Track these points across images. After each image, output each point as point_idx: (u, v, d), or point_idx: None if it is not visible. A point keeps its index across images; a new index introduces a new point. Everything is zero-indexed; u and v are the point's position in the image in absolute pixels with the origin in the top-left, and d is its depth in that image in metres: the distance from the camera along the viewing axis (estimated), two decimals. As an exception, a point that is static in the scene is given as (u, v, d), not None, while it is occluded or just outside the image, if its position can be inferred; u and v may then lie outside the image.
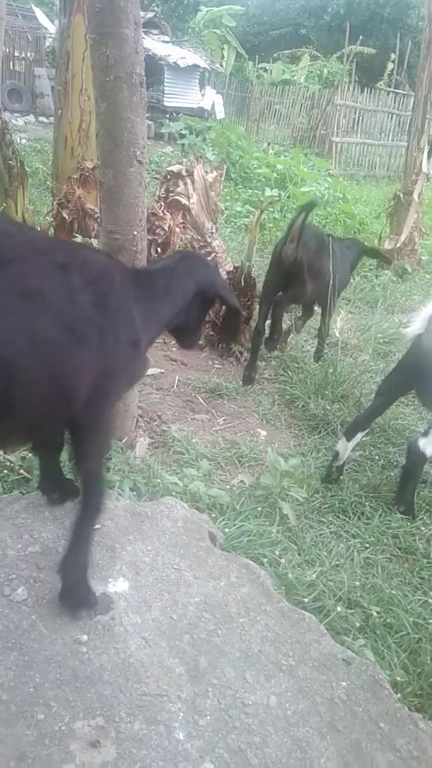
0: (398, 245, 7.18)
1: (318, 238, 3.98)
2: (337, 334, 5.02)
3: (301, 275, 3.70)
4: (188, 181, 4.61)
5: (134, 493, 2.61)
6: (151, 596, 1.97)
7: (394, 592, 2.41)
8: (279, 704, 1.70)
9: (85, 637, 1.79)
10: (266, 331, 4.03)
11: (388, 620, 2.28)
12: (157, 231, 4.68)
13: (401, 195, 7.34)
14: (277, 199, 7.90)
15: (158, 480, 2.70)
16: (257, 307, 4.25)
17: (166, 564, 2.09)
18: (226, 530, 2.47)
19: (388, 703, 1.75)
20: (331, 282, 3.98)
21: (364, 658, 1.94)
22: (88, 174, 4.72)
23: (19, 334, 1.45)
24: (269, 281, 3.91)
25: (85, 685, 1.67)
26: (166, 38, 18.06)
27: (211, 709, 1.66)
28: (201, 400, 3.87)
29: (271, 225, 8.07)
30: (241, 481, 3.02)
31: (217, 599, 1.99)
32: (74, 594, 1.87)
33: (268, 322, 4.02)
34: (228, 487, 2.93)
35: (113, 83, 2.46)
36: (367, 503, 3.00)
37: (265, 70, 21.36)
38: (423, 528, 2.87)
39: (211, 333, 4.65)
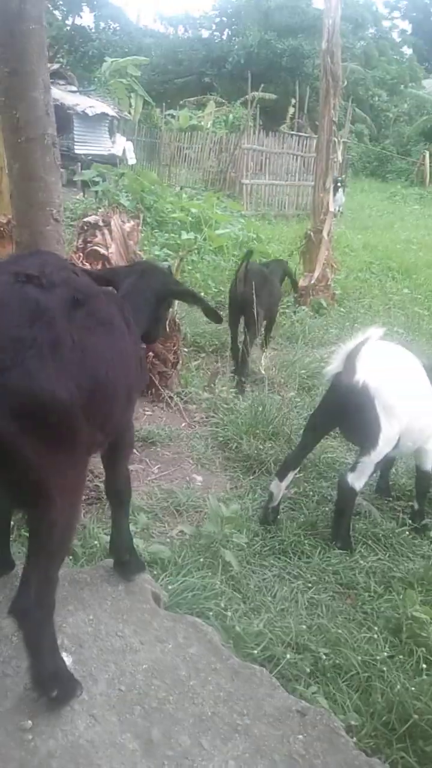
0: (312, 281, 7.44)
1: (260, 274, 5.11)
2: (263, 371, 5.11)
3: (253, 305, 4.79)
4: (105, 231, 4.62)
5: (70, 558, 2.52)
6: (97, 669, 1.89)
7: (340, 631, 2.42)
8: (238, 768, 1.66)
9: (29, 723, 1.69)
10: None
11: (337, 661, 2.29)
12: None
13: (312, 234, 7.64)
14: (197, 244, 8.06)
15: (95, 541, 2.62)
16: (184, 351, 4.35)
17: (110, 632, 2.01)
18: (170, 587, 2.42)
19: (346, 752, 1.74)
20: (272, 301, 5.32)
21: (318, 707, 1.93)
22: (2, 228, 4.64)
23: (113, 356, 1.71)
24: (231, 313, 5.06)
25: (33, 777, 1.56)
26: (74, 88, 18.29)
27: (168, 784, 1.60)
28: (134, 449, 3.81)
29: (189, 267, 8.19)
30: (181, 531, 2.98)
31: (165, 663, 1.93)
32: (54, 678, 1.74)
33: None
34: (168, 539, 2.89)
35: (25, 145, 2.46)
36: (306, 541, 3.03)
37: (173, 116, 22.01)
38: (361, 561, 2.92)
39: (139, 380, 4.62)
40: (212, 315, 2.53)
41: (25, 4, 2.28)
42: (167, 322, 2.61)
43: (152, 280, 2.33)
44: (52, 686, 1.70)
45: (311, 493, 3.49)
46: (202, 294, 7.31)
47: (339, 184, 13.86)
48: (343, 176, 16.13)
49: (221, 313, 3.16)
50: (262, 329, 5.42)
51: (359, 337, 2.88)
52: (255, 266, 5.19)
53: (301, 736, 1.77)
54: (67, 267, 1.68)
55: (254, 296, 4.76)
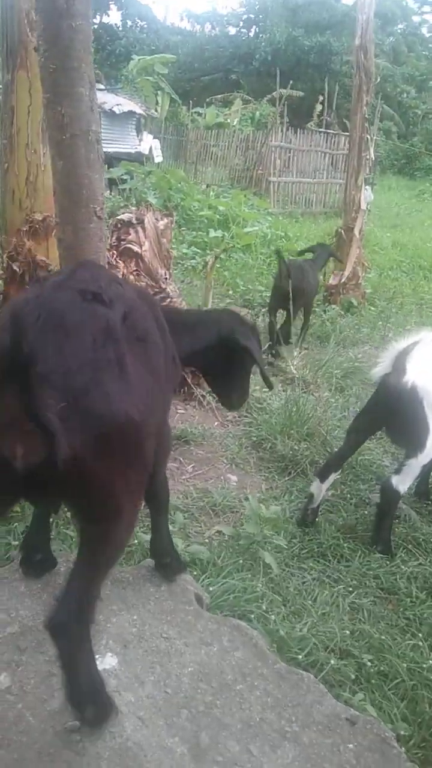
0: (343, 280, 7.36)
1: (300, 269, 5.66)
2: (295, 372, 5.06)
3: (294, 295, 5.36)
4: (139, 229, 4.62)
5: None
6: (143, 671, 1.87)
7: (383, 637, 2.38)
8: (288, 777, 1.63)
9: (77, 723, 1.68)
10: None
11: (382, 668, 2.24)
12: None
13: (343, 232, 7.55)
14: (229, 243, 8.04)
15: (135, 541, 2.61)
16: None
17: (155, 633, 2.00)
18: (210, 589, 2.39)
19: (398, 763, 1.70)
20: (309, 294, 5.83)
21: (367, 715, 1.89)
22: (37, 226, 4.66)
23: (154, 370, 1.70)
24: (272, 303, 5.69)
25: (82, 780, 1.55)
26: (101, 86, 18.32)
27: (218, 790, 1.57)
28: (167, 449, 3.80)
29: (218, 266, 8.14)
30: (218, 532, 2.96)
31: (211, 667, 1.91)
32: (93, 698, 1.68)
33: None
34: (206, 539, 2.86)
35: (69, 141, 2.45)
36: (345, 545, 2.98)
37: (199, 114, 21.93)
38: (402, 566, 2.86)
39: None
40: (266, 380, 2.55)
41: (73, 1, 2.27)
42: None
43: (222, 317, 2.34)
44: (86, 707, 1.64)
45: (349, 495, 3.44)
46: (230, 292, 7.31)
47: (368, 183, 13.73)
48: (372, 174, 15.96)
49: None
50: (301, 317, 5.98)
51: (408, 339, 2.83)
52: (296, 262, 5.80)
53: (351, 745, 1.74)
54: (116, 279, 1.68)
55: (294, 291, 5.35)
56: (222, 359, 2.31)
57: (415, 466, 2.82)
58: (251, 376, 4.35)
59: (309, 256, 6.41)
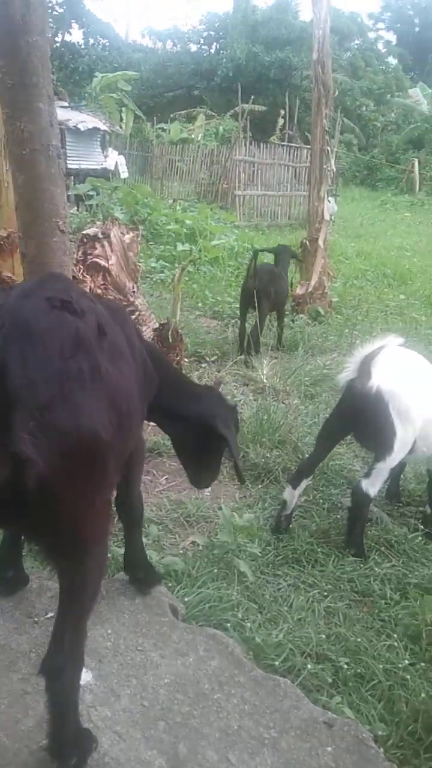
0: (309, 290, 7.45)
1: (269, 272, 5.89)
2: (265, 380, 5.10)
3: (260, 297, 5.58)
4: (105, 243, 4.63)
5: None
6: (118, 684, 1.85)
7: (359, 639, 2.39)
8: (267, 783, 1.62)
9: (52, 742, 1.65)
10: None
11: (358, 670, 2.25)
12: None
13: (307, 242, 7.66)
14: (196, 256, 8.09)
15: (109, 555, 2.58)
16: (185, 362, 4.37)
17: (129, 646, 1.98)
18: (186, 599, 2.38)
19: (377, 764, 1.71)
20: (279, 294, 5.97)
21: (345, 717, 1.90)
22: (2, 242, 4.64)
23: (130, 387, 1.64)
24: (242, 302, 5.86)
25: (58, 799, 1.52)
26: (65, 103, 18.34)
27: (198, 801, 1.56)
28: (140, 462, 3.78)
29: (186, 278, 8.19)
30: (193, 542, 2.95)
31: (188, 677, 1.90)
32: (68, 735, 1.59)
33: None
34: (180, 551, 2.85)
35: (30, 156, 2.46)
36: (319, 549, 2.99)
37: (164, 130, 22.11)
38: (376, 568, 2.88)
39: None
40: (239, 474, 2.51)
41: (29, 17, 2.29)
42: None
43: (205, 396, 2.27)
44: (72, 753, 1.58)
45: (321, 500, 3.46)
46: (200, 304, 7.35)
47: (331, 194, 13.97)
48: (335, 186, 16.24)
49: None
50: (272, 321, 6.26)
51: (373, 344, 2.88)
52: (264, 266, 5.99)
53: (329, 748, 1.74)
54: (87, 294, 1.61)
55: (261, 291, 5.60)
56: (197, 437, 2.22)
57: (383, 469, 2.85)
58: (220, 385, 4.37)
59: (269, 256, 6.63)
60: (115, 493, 1.96)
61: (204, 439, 2.22)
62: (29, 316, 1.35)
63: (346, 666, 2.24)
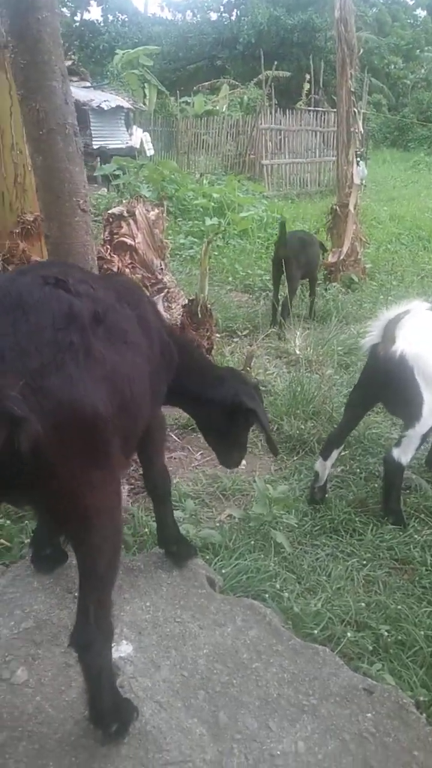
0: (342, 257, 7.31)
1: (299, 240, 5.85)
2: (298, 352, 5.04)
3: (290, 264, 5.61)
4: (131, 221, 4.60)
5: (122, 546, 2.52)
6: (158, 655, 1.88)
7: (399, 607, 2.37)
8: (308, 749, 1.63)
9: (95, 712, 1.69)
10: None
11: (399, 637, 2.23)
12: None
13: (338, 208, 7.49)
14: (222, 228, 8.00)
15: (145, 529, 2.62)
16: (217, 337, 4.35)
17: (168, 618, 2.01)
18: (223, 571, 2.40)
19: (418, 729, 1.70)
20: (310, 262, 5.95)
21: (385, 684, 1.89)
22: (29, 227, 4.66)
23: (134, 372, 1.63)
24: (274, 270, 5.82)
25: (103, 765, 1.57)
26: (87, 84, 18.27)
27: (239, 767, 1.58)
28: (175, 437, 3.81)
29: (216, 253, 8.14)
30: (229, 516, 2.96)
31: (226, 647, 1.91)
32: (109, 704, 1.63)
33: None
34: (217, 524, 2.86)
35: (47, 136, 2.44)
36: (357, 519, 2.97)
37: (188, 103, 21.80)
38: (416, 536, 2.84)
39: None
40: (272, 446, 2.40)
41: (37, -7, 2.25)
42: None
43: (229, 377, 2.26)
44: (112, 721, 1.62)
45: (358, 470, 3.42)
46: (230, 278, 7.29)
47: (360, 158, 13.59)
48: (364, 149, 15.79)
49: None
50: (306, 290, 6.26)
51: (398, 308, 2.79)
52: (295, 232, 6.06)
53: (370, 714, 1.74)
54: (87, 280, 1.57)
55: (291, 259, 5.59)
56: (223, 417, 2.23)
57: (413, 436, 2.78)
58: (253, 358, 4.32)
59: (298, 225, 6.58)
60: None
61: (230, 418, 2.23)
62: (22, 289, 1.37)
63: (386, 633, 2.22)
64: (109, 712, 1.61)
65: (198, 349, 2.20)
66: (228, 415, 2.22)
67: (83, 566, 1.54)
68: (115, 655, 1.87)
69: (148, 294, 2.09)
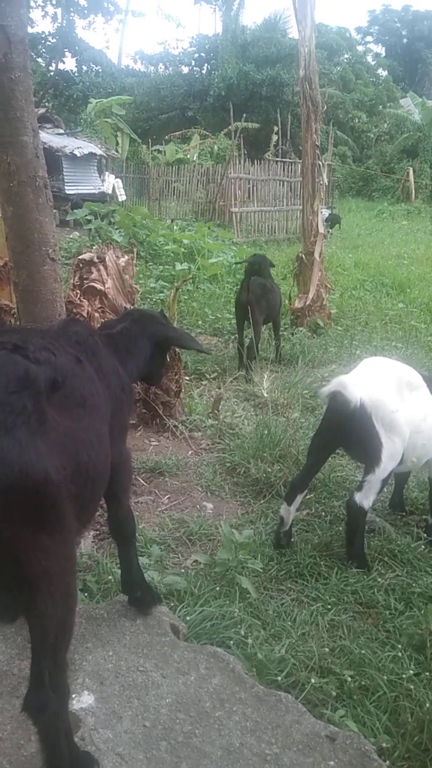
0: (308, 302, 7.50)
1: (260, 285, 5.96)
2: (265, 394, 5.12)
3: (253, 309, 5.80)
4: (101, 267, 4.68)
5: (85, 594, 2.50)
6: (120, 706, 1.86)
7: (363, 651, 2.39)
8: (270, 800, 1.62)
9: None
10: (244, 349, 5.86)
11: (363, 683, 2.24)
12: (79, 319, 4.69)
13: (303, 256, 7.72)
14: (190, 275, 8.16)
15: (109, 576, 2.60)
16: (185, 380, 4.41)
17: (131, 667, 1.99)
18: (188, 618, 2.39)
19: (380, 776, 1.70)
20: (273, 305, 6.15)
21: (348, 730, 1.89)
22: (-1, 272, 4.71)
23: (92, 438, 1.65)
24: (238, 315, 6.10)
25: None
26: (60, 131, 18.67)
27: None
28: (142, 481, 3.81)
29: (186, 297, 8.27)
30: (195, 561, 2.95)
31: (189, 696, 1.90)
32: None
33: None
34: (182, 570, 2.86)
35: (17, 188, 2.52)
36: (322, 563, 2.99)
37: (159, 151, 22.41)
38: (379, 579, 2.88)
39: (144, 411, 4.64)
40: (204, 351, 2.81)
41: (11, 54, 2.36)
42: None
43: (146, 326, 2.36)
44: None
45: (323, 513, 3.46)
46: (200, 322, 7.41)
47: (329, 209, 14.10)
48: (331, 199, 16.37)
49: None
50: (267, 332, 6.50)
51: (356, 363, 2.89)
52: (256, 279, 6.07)
53: (332, 762, 1.74)
54: (48, 347, 1.58)
55: (254, 304, 5.81)
56: (152, 358, 2.38)
57: (374, 481, 2.85)
58: (221, 401, 4.38)
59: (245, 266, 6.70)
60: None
61: (157, 353, 2.42)
62: None
63: (350, 679, 2.23)
64: None
65: (119, 335, 2.27)
66: (155, 353, 2.40)
67: (35, 633, 1.50)
68: (76, 706, 1.85)
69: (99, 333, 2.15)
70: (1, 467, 1.27)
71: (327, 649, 2.37)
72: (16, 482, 1.29)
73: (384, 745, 1.94)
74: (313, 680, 2.18)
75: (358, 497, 2.86)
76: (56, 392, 1.52)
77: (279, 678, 2.16)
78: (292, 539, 3.14)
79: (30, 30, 28.27)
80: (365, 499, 2.86)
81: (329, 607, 2.67)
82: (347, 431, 2.87)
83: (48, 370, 1.50)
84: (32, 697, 1.49)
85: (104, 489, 1.88)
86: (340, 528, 3.28)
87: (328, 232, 13.02)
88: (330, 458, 3.63)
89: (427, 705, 2.08)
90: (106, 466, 1.81)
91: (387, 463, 2.82)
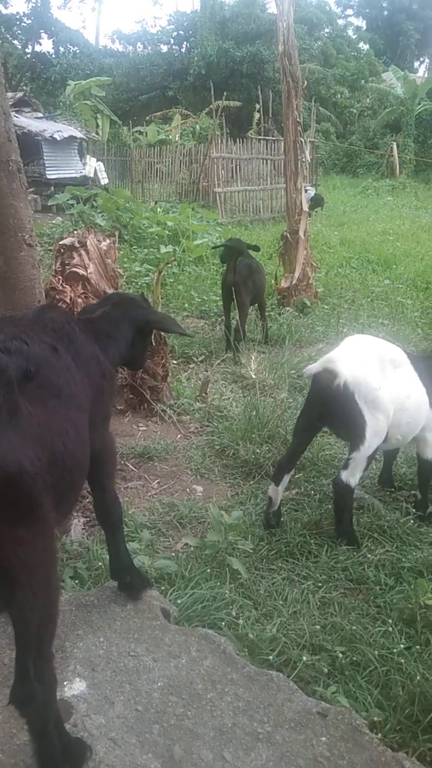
0: (294, 282, 7.46)
1: (247, 267, 5.89)
2: (253, 375, 5.11)
3: (239, 291, 5.75)
4: (82, 252, 4.62)
5: (76, 581, 2.49)
6: (112, 691, 1.86)
7: (354, 627, 2.40)
8: (263, 778, 1.63)
9: (47, 754, 1.66)
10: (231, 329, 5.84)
11: (354, 658, 2.26)
12: (59, 304, 4.63)
13: (288, 235, 7.66)
14: (174, 257, 8.07)
15: (99, 563, 2.60)
16: (173, 364, 4.39)
17: (122, 653, 1.99)
18: (179, 601, 2.39)
19: (371, 749, 1.72)
20: (258, 286, 6.09)
21: (339, 706, 1.91)
22: (-22, 259, 4.64)
23: (68, 427, 1.62)
24: (224, 297, 5.97)
25: (56, 809, 1.53)
26: (39, 114, 18.35)
27: (194, 801, 1.57)
28: (131, 466, 3.80)
29: (171, 280, 8.21)
30: (186, 544, 2.96)
31: (180, 679, 1.91)
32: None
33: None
34: (173, 553, 2.86)
35: (-10, 173, 2.46)
36: (312, 541, 3.00)
37: (141, 133, 22.09)
38: (369, 555, 2.89)
39: (131, 396, 4.62)
40: (186, 334, 2.84)
41: (-23, 34, 2.29)
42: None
43: (127, 310, 2.33)
44: (63, 764, 1.59)
45: (313, 492, 3.47)
46: (186, 305, 7.36)
47: (310, 185, 13.99)
48: (314, 176, 16.22)
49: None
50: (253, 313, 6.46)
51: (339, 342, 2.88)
52: (242, 260, 5.98)
53: (324, 738, 1.75)
54: (19, 336, 1.57)
55: (240, 285, 5.76)
56: (134, 343, 2.36)
57: (359, 459, 2.85)
58: (209, 384, 4.36)
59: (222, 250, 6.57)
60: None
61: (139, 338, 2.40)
62: None
63: (341, 655, 2.25)
64: (58, 760, 1.57)
65: (100, 319, 2.23)
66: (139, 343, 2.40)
67: (16, 625, 1.48)
68: (68, 693, 1.85)
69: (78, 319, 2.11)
70: None
71: (318, 627, 2.39)
72: None
73: (375, 719, 1.96)
74: (304, 658, 2.20)
75: (344, 475, 2.87)
76: (29, 382, 1.50)
77: (270, 657, 2.18)
78: (282, 519, 3.15)
79: (4, 11, 27.78)
80: (351, 476, 2.86)
81: (320, 584, 2.68)
82: (331, 410, 2.87)
83: (19, 360, 1.48)
84: (18, 689, 1.48)
85: (84, 478, 1.86)
86: (330, 506, 3.29)
87: (314, 212, 12.93)
88: (318, 437, 3.63)
89: (418, 678, 2.10)
90: (85, 455, 1.78)
91: (371, 441, 2.83)
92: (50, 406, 1.56)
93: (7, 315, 2.59)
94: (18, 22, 30.00)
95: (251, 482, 3.63)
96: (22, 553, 1.39)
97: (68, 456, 1.60)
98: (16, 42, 29.98)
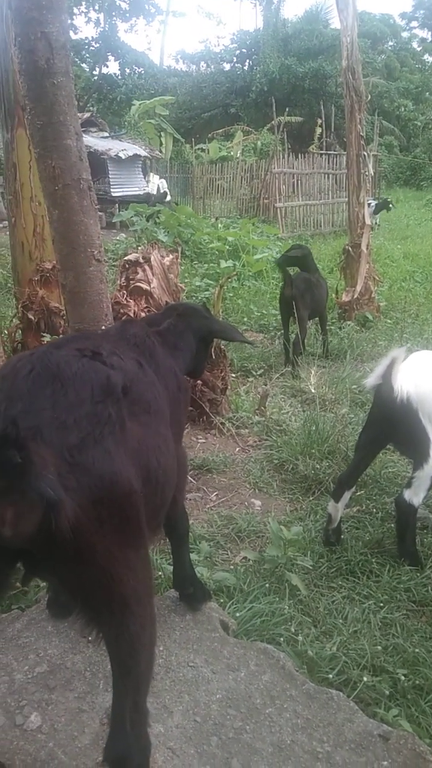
0: (355, 296, 7.38)
1: (304, 280, 5.88)
2: (313, 390, 5.07)
3: (298, 305, 5.73)
4: (146, 267, 4.73)
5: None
6: (171, 700, 1.87)
7: (417, 650, 2.34)
8: (322, 798, 1.60)
9: (108, 759, 1.68)
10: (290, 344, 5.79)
11: (417, 682, 2.20)
12: (123, 318, 4.75)
13: (350, 249, 7.60)
14: (234, 272, 8.14)
15: (159, 572, 2.62)
16: (232, 377, 4.41)
17: (181, 663, 2.00)
18: (237, 614, 2.39)
19: (435, 777, 1.66)
20: (318, 300, 6.02)
21: (401, 730, 1.85)
22: (48, 274, 4.82)
23: (159, 443, 1.60)
24: (282, 311, 5.99)
25: None
26: (105, 134, 18.95)
27: None
28: (190, 478, 3.82)
29: (231, 294, 8.27)
30: (244, 558, 2.95)
31: (239, 692, 1.90)
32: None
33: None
34: (231, 566, 2.86)
35: (62, 191, 2.57)
36: (373, 560, 2.94)
37: (203, 150, 22.45)
38: (433, 576, 2.81)
39: (191, 408, 4.66)
40: (246, 341, 2.87)
41: (53, 60, 2.40)
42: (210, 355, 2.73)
43: (191, 321, 2.34)
44: None
45: (374, 510, 3.40)
46: (245, 319, 7.40)
47: (377, 199, 13.86)
48: (377, 189, 16.00)
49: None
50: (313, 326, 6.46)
51: (400, 352, 2.82)
52: (300, 274, 6.01)
53: (386, 762, 1.70)
54: (116, 352, 1.55)
55: (298, 299, 5.75)
56: (197, 353, 2.37)
57: (423, 477, 2.76)
58: (268, 398, 4.36)
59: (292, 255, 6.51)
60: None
61: (203, 350, 2.42)
62: (60, 361, 1.35)
63: (403, 677, 2.19)
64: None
65: (167, 331, 2.23)
66: (202, 352, 2.42)
67: (122, 663, 1.39)
68: (127, 700, 1.87)
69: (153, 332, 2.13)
70: (93, 479, 1.23)
71: (379, 647, 2.33)
72: (107, 494, 1.25)
73: (440, 746, 1.89)
74: (365, 678, 2.15)
75: (407, 494, 2.80)
76: (126, 397, 1.46)
77: (330, 676, 2.14)
78: (343, 536, 3.10)
79: (73, 36, 28.91)
80: (415, 496, 2.79)
81: (381, 604, 2.62)
82: (394, 426, 2.80)
83: (119, 375, 1.46)
84: (114, 743, 1.41)
85: (172, 494, 1.80)
86: (392, 525, 3.22)
87: (376, 224, 12.78)
88: (381, 454, 3.56)
89: None
90: (174, 470, 1.75)
91: None
92: (143, 422, 1.52)
93: (77, 329, 2.68)
94: (86, 47, 31.13)
95: (310, 498, 3.60)
96: (133, 579, 1.33)
97: (161, 472, 1.55)
98: (84, 65, 31.09)
